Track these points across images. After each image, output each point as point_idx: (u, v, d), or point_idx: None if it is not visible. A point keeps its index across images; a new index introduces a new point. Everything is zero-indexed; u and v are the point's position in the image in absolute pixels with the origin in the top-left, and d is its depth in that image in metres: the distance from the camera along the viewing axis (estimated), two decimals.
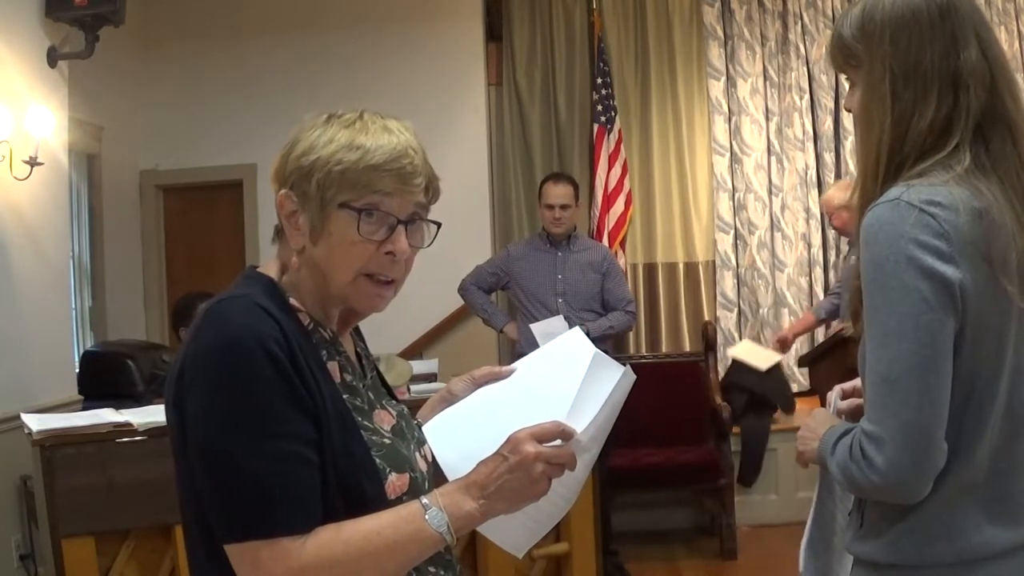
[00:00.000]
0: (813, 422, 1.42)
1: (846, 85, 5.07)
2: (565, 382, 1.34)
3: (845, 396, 1.51)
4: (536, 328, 4.32)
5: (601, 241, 5.34)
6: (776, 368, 5.02)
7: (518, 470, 1.20)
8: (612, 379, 1.36)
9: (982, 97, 1.27)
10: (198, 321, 1.21)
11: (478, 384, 1.47)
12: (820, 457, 1.35)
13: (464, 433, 1.37)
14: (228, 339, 1.16)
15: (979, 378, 1.26)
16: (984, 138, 1.28)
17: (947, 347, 1.23)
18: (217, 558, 1.18)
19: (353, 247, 1.24)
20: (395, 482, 1.25)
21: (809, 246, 5.70)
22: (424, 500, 1.19)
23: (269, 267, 1.32)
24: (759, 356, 5.11)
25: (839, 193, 4.54)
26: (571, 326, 4.33)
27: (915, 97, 1.28)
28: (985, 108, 1.28)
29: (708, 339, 5.20)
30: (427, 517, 1.18)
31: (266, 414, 1.15)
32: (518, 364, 1.49)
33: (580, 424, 1.26)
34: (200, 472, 1.16)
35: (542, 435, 1.22)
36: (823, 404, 1.57)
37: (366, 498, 1.20)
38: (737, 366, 5.04)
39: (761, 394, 4.97)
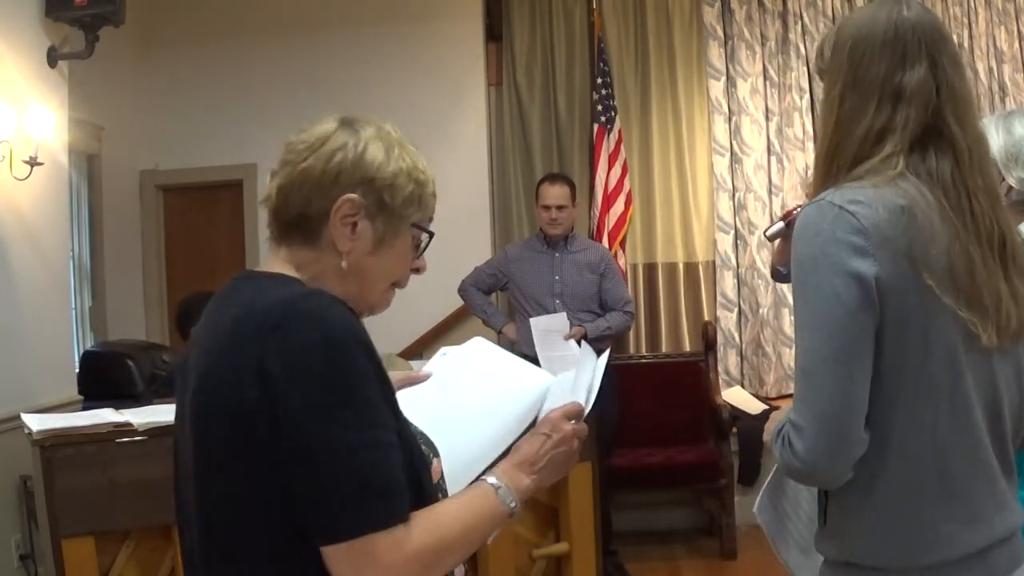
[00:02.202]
0: (779, 414, 1.46)
1: None
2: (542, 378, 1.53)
3: None
4: (537, 323, 4.31)
5: (601, 241, 5.34)
6: (764, 419, 5.04)
7: (562, 445, 1.36)
8: (593, 361, 1.51)
9: (921, 114, 1.33)
10: (281, 318, 1.18)
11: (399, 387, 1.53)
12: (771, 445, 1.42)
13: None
14: (327, 333, 1.18)
15: (906, 373, 1.29)
16: (924, 150, 1.33)
17: (861, 341, 1.27)
18: (283, 563, 1.18)
19: (403, 261, 1.35)
20: (436, 467, 1.34)
21: None
22: (491, 480, 1.30)
23: (273, 266, 1.32)
24: (749, 403, 5.21)
25: None
26: (570, 326, 4.35)
27: (858, 105, 1.35)
28: (927, 126, 1.33)
29: (708, 339, 5.21)
30: (499, 495, 1.28)
31: (368, 405, 1.18)
32: (430, 368, 1.60)
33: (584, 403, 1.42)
34: (303, 468, 1.15)
35: (573, 413, 1.38)
36: None
37: (422, 483, 1.27)
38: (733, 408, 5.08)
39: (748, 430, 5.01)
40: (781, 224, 4.57)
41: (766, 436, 1.45)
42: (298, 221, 1.29)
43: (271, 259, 1.34)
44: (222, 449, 1.20)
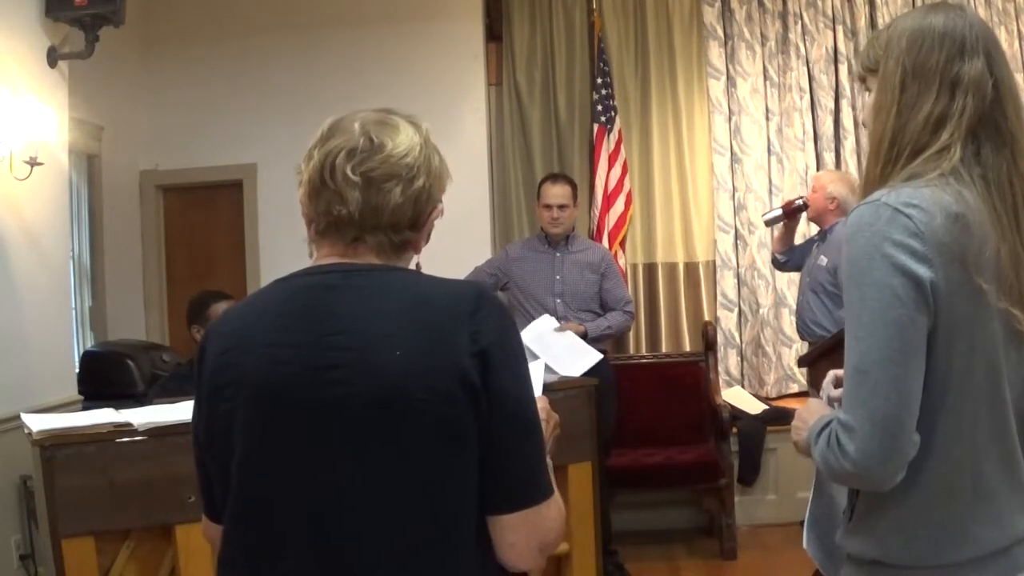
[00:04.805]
0: (805, 412, 1.46)
1: (846, 85, 5.12)
2: None
3: (839, 384, 1.52)
4: (527, 335, 4.21)
5: (601, 241, 5.34)
6: (764, 419, 5.04)
7: (558, 427, 1.59)
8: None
9: (978, 105, 1.35)
10: (477, 302, 1.28)
11: None
12: (807, 447, 1.40)
13: None
14: (511, 316, 1.33)
15: (953, 376, 1.30)
16: (977, 142, 1.35)
17: (917, 342, 1.28)
18: (485, 538, 1.28)
19: None
20: None
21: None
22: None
23: (366, 259, 1.35)
24: (749, 403, 5.23)
25: (836, 183, 4.46)
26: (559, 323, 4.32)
27: (918, 91, 1.37)
28: (984, 116, 1.35)
29: (708, 339, 5.21)
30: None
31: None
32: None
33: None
34: (515, 440, 1.28)
35: (547, 403, 1.60)
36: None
37: None
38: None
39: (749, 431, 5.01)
40: (779, 211, 4.62)
41: (796, 436, 1.44)
42: (406, 227, 1.35)
43: (351, 252, 1.34)
44: (438, 431, 1.24)
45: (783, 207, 4.63)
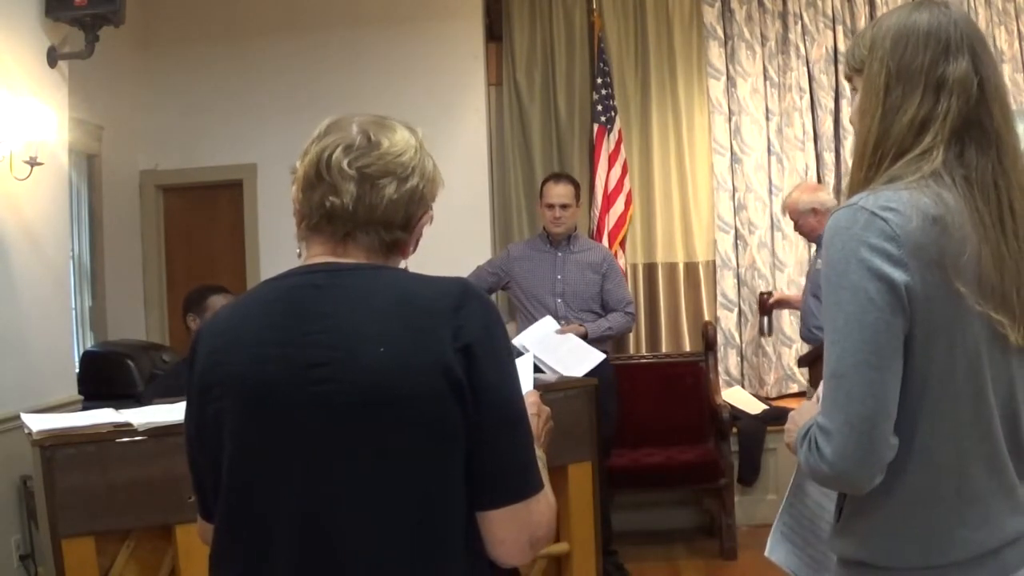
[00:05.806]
0: (797, 415, 1.46)
1: (846, 85, 5.13)
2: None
3: None
4: (526, 340, 4.19)
5: (601, 241, 5.34)
6: (764, 419, 5.05)
7: (550, 420, 1.57)
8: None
9: (963, 106, 1.34)
10: (461, 299, 1.28)
11: None
12: (795, 449, 1.40)
13: None
14: (496, 311, 1.33)
15: (932, 378, 1.30)
16: (962, 143, 1.34)
17: (892, 345, 1.27)
18: (475, 534, 1.27)
19: None
20: None
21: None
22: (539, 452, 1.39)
23: (355, 258, 1.37)
24: (749, 403, 5.24)
25: (804, 196, 4.50)
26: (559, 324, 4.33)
27: (903, 94, 1.36)
28: (969, 117, 1.34)
29: (708, 339, 5.21)
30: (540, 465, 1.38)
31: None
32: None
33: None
34: (508, 437, 1.27)
35: (538, 396, 1.59)
36: None
37: None
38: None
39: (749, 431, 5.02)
40: (765, 319, 4.89)
41: (788, 439, 1.45)
42: (398, 227, 1.35)
43: (341, 249, 1.35)
44: (425, 428, 1.24)
45: (761, 311, 4.93)
